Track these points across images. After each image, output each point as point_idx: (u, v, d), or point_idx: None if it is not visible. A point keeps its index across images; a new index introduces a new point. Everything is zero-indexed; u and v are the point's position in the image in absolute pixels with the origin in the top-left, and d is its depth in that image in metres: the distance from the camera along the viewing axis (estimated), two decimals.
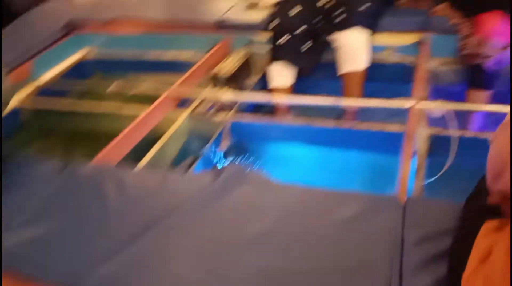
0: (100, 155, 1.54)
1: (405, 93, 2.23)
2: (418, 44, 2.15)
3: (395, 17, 2.18)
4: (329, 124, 1.82)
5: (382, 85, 2.26)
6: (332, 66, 2.19)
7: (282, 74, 2.21)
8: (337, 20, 2.09)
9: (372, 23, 2.11)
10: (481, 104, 1.62)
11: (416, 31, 2.15)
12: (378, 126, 1.75)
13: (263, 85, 2.37)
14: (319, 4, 2.20)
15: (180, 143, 1.93)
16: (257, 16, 2.48)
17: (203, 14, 2.65)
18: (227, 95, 1.89)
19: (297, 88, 2.21)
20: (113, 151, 1.61)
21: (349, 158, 1.90)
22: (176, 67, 2.57)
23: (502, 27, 1.84)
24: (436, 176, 1.53)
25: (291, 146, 1.94)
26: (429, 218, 1.08)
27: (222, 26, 2.51)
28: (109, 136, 1.70)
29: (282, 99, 1.82)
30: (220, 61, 2.33)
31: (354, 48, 2.07)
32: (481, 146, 1.65)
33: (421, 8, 2.23)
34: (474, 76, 1.99)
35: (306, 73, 2.29)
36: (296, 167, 1.98)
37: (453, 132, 1.58)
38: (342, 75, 2.12)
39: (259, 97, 1.87)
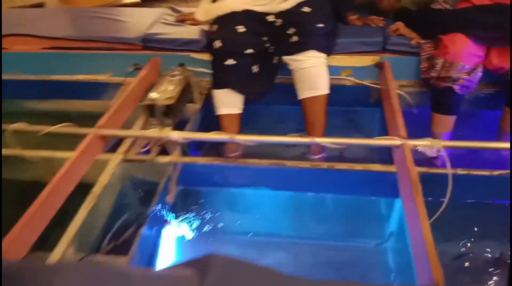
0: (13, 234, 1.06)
1: (369, 116, 2.07)
2: (377, 66, 1.96)
3: (351, 38, 1.97)
4: (302, 164, 1.53)
5: (343, 109, 2.06)
6: (285, 87, 1.92)
7: (229, 102, 1.89)
8: (289, 41, 1.82)
9: (327, 45, 1.88)
10: (479, 142, 1.46)
11: (373, 53, 1.97)
12: (360, 165, 1.50)
13: (205, 112, 2.02)
14: (266, 22, 1.91)
15: (113, 199, 1.50)
16: (188, 32, 2.12)
17: (122, 30, 2.19)
18: (173, 133, 1.50)
19: (247, 112, 1.90)
20: (32, 225, 1.14)
21: (325, 203, 1.64)
22: (91, 93, 2.10)
23: (471, 49, 1.73)
24: (436, 216, 1.32)
25: (255, 192, 1.62)
26: None
27: (148, 42, 2.10)
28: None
29: (240, 139, 1.48)
30: (151, 86, 1.91)
31: (313, 73, 1.82)
32: (470, 182, 1.53)
33: (373, 25, 2.06)
34: (439, 100, 1.85)
35: (257, 98, 1.99)
36: (262, 216, 1.66)
37: (447, 170, 1.38)
38: (302, 100, 1.85)
39: (212, 136, 1.51)
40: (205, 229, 1.63)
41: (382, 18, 2.07)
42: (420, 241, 1.13)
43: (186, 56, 2.05)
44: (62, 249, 1.21)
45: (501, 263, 1.47)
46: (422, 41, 1.90)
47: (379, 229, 1.66)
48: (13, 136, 1.58)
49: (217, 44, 1.84)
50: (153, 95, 1.75)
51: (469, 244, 1.54)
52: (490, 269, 1.47)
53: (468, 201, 1.53)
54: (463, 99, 1.84)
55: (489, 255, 1.51)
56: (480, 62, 1.77)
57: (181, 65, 2.05)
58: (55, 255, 1.17)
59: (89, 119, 1.58)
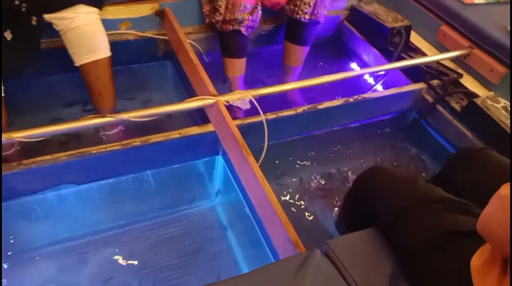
0: None
1: (160, 70, 1.91)
2: (158, 15, 1.76)
3: None
4: (111, 148, 1.29)
5: (130, 67, 1.82)
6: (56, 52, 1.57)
7: None
8: None
9: None
10: (282, 85, 1.47)
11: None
12: (176, 133, 1.36)
13: None
14: None
15: None
16: None
17: None
18: None
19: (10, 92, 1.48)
20: None
21: (144, 181, 1.46)
22: None
23: None
24: (261, 160, 1.33)
25: (55, 192, 1.31)
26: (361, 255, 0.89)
27: None
28: None
29: (20, 137, 1.14)
30: None
31: (87, 32, 1.51)
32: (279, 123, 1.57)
33: None
34: (228, 44, 1.80)
35: (16, 73, 1.56)
36: (74, 217, 1.38)
37: (260, 117, 1.39)
38: (81, 67, 1.54)
39: None
40: (4, 258, 1.26)
41: None
42: (263, 200, 1.10)
43: None
44: None
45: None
46: None
47: (206, 190, 1.59)
48: None
49: None
50: None
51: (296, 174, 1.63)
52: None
53: (282, 140, 1.59)
54: (248, 39, 1.83)
55: (316, 181, 1.63)
56: (258, 0, 1.76)
57: None
58: None
59: None
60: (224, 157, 1.47)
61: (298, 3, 1.77)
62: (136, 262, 1.40)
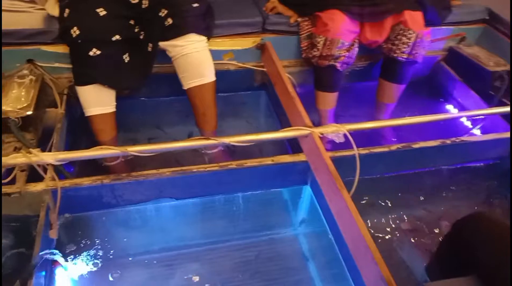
0: None
1: (254, 100, 2.00)
2: (259, 48, 1.87)
3: (229, 19, 1.83)
4: (210, 168, 1.37)
5: (228, 95, 1.93)
6: (164, 77, 1.72)
7: (99, 99, 1.61)
8: (164, 24, 1.60)
9: (206, 27, 1.72)
10: (378, 122, 1.49)
11: (254, 34, 1.86)
12: (269, 159, 1.41)
13: (70, 115, 1.70)
14: (130, 4, 1.63)
15: None
16: (35, 20, 1.71)
17: None
18: (47, 156, 1.19)
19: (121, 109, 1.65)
20: None
21: (235, 202, 1.53)
22: None
23: (348, 26, 1.74)
24: (351, 194, 1.32)
25: (155, 205, 1.41)
26: None
27: None
28: None
29: (135, 151, 1.25)
30: None
31: (196, 59, 1.64)
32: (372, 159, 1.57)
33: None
34: (322, 78, 1.85)
35: (130, 92, 1.73)
36: (168, 230, 1.47)
37: (353, 151, 1.40)
38: (188, 90, 1.67)
39: (99, 153, 1.24)
40: (104, 259, 1.37)
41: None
42: (355, 234, 1.10)
43: (34, 50, 1.66)
44: None
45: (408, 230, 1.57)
46: (300, 19, 1.86)
47: (290, 218, 1.61)
48: None
49: (75, 32, 1.51)
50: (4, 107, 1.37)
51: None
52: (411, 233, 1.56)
53: (372, 176, 1.58)
54: (343, 75, 1.87)
55: (405, 221, 1.60)
56: (355, 37, 1.80)
57: (30, 61, 1.66)
58: None
59: None
60: (312, 187, 1.50)
61: (396, 42, 1.78)
62: (219, 280, 1.44)
